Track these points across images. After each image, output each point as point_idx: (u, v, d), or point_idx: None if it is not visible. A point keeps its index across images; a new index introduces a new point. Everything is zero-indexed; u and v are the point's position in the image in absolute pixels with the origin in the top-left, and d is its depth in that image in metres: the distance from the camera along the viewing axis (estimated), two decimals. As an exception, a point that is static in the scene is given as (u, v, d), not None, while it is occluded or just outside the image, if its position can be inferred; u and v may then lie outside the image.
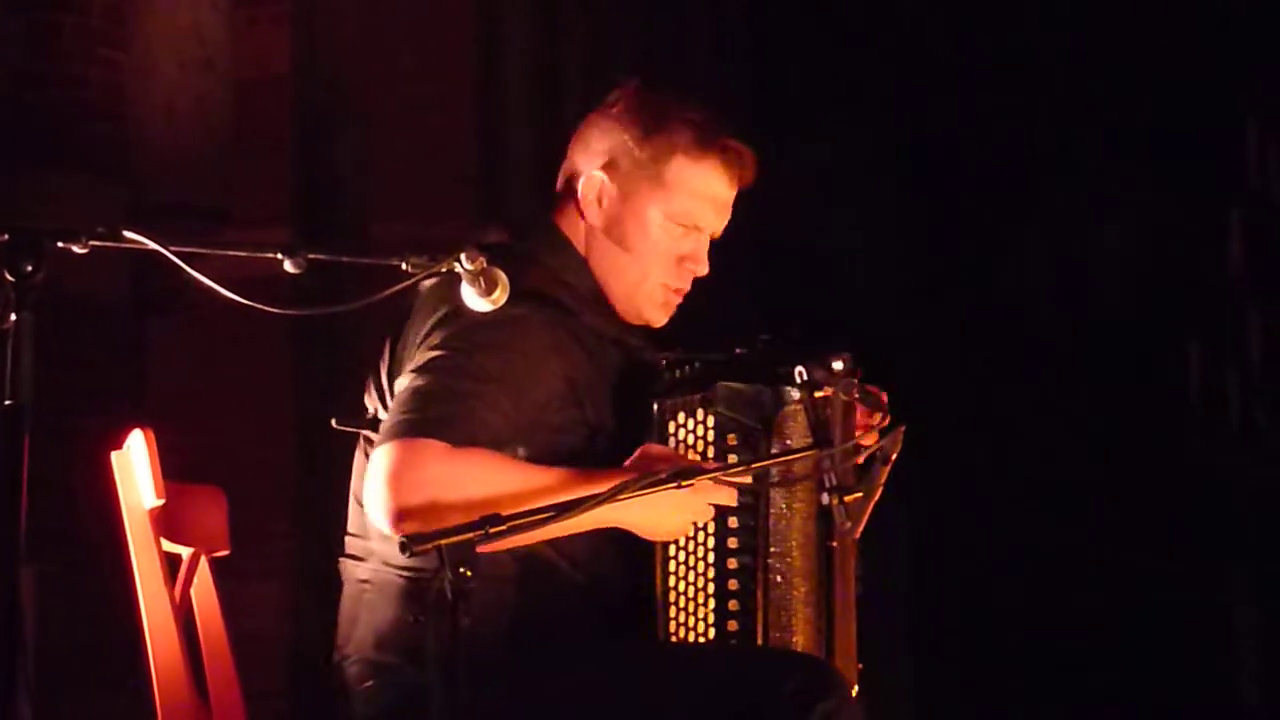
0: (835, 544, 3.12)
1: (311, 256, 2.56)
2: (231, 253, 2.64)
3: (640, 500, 2.95)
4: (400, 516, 2.95)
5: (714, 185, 3.27)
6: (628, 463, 3.09)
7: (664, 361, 3.23)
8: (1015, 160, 6.26)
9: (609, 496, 2.72)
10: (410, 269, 2.67)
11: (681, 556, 3.15)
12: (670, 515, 3.10)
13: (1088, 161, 6.26)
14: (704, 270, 3.31)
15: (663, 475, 2.82)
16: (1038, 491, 6.06)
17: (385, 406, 3.15)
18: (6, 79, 5.35)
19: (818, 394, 3.04)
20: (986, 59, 6.25)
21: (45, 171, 5.31)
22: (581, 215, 3.27)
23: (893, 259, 6.24)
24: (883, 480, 2.92)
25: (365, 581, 3.19)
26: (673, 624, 3.13)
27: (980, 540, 6.00)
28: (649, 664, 3.04)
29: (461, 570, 2.53)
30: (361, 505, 3.19)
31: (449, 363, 3.03)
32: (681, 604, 3.14)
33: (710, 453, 3.16)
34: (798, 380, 3.07)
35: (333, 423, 3.28)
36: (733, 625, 3.13)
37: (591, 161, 3.27)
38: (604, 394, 3.20)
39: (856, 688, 3.11)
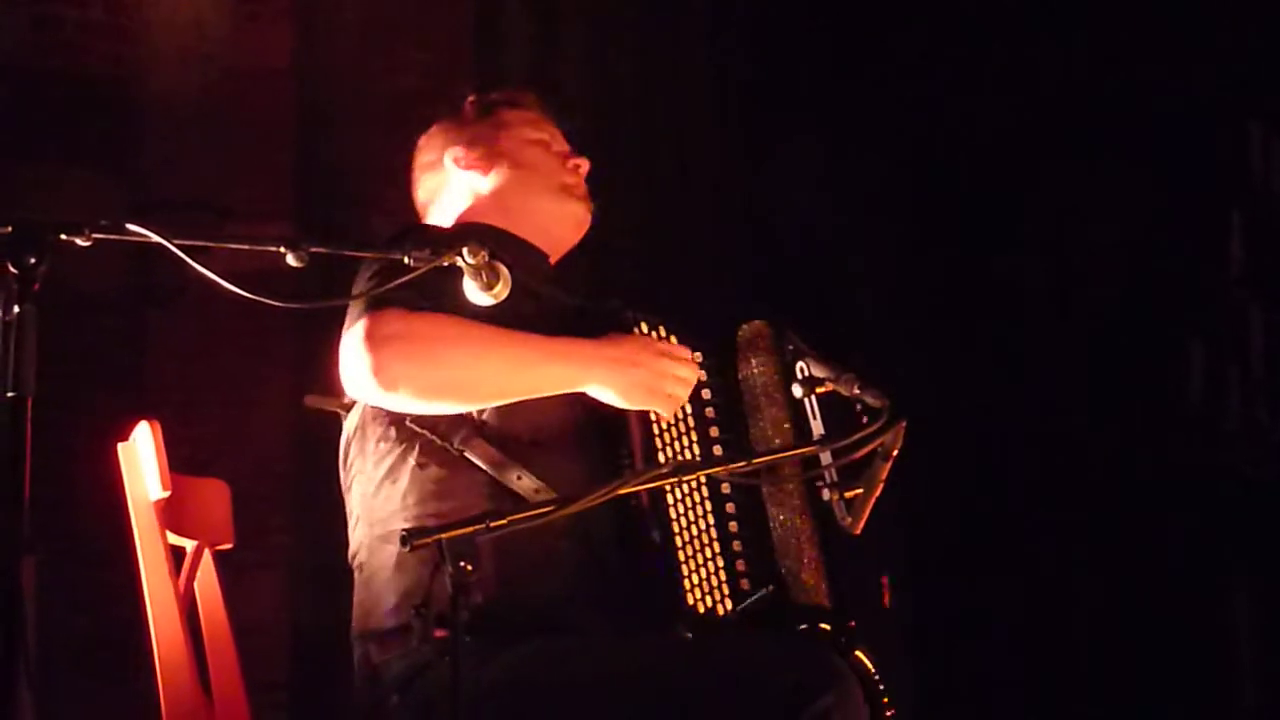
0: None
1: (314, 250, 2.56)
2: (234, 246, 2.65)
3: (602, 361, 3.10)
4: (382, 373, 3.02)
5: (535, 114, 3.53)
6: (600, 340, 3.16)
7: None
8: (1017, 158, 6.26)
9: (610, 493, 2.72)
10: (412, 263, 2.68)
11: (689, 552, 3.15)
12: (634, 375, 3.13)
13: (1089, 160, 6.26)
14: (585, 161, 3.50)
15: (665, 470, 2.83)
16: (1037, 490, 6.06)
17: None
18: (8, 72, 5.35)
19: (819, 390, 3.07)
20: (987, 56, 6.25)
21: (47, 165, 5.32)
22: (478, 180, 3.43)
23: (891, 258, 6.23)
24: (884, 476, 2.93)
25: (362, 562, 3.21)
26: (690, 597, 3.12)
27: (977, 539, 6.00)
28: (645, 657, 3.04)
29: (462, 564, 2.53)
30: (353, 493, 3.23)
31: (387, 271, 3.06)
32: (696, 592, 3.13)
33: None
34: (799, 376, 3.10)
35: (305, 400, 3.32)
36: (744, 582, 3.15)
37: (440, 163, 3.49)
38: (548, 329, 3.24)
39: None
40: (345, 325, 3.10)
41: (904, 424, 2.88)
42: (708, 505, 3.17)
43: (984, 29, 6.27)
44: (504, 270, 2.70)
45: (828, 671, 2.96)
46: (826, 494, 3.02)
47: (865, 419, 2.92)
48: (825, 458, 3.03)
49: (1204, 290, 6.14)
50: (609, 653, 3.02)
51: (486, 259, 2.67)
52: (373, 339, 3.03)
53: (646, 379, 3.13)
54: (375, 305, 3.05)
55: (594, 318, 3.27)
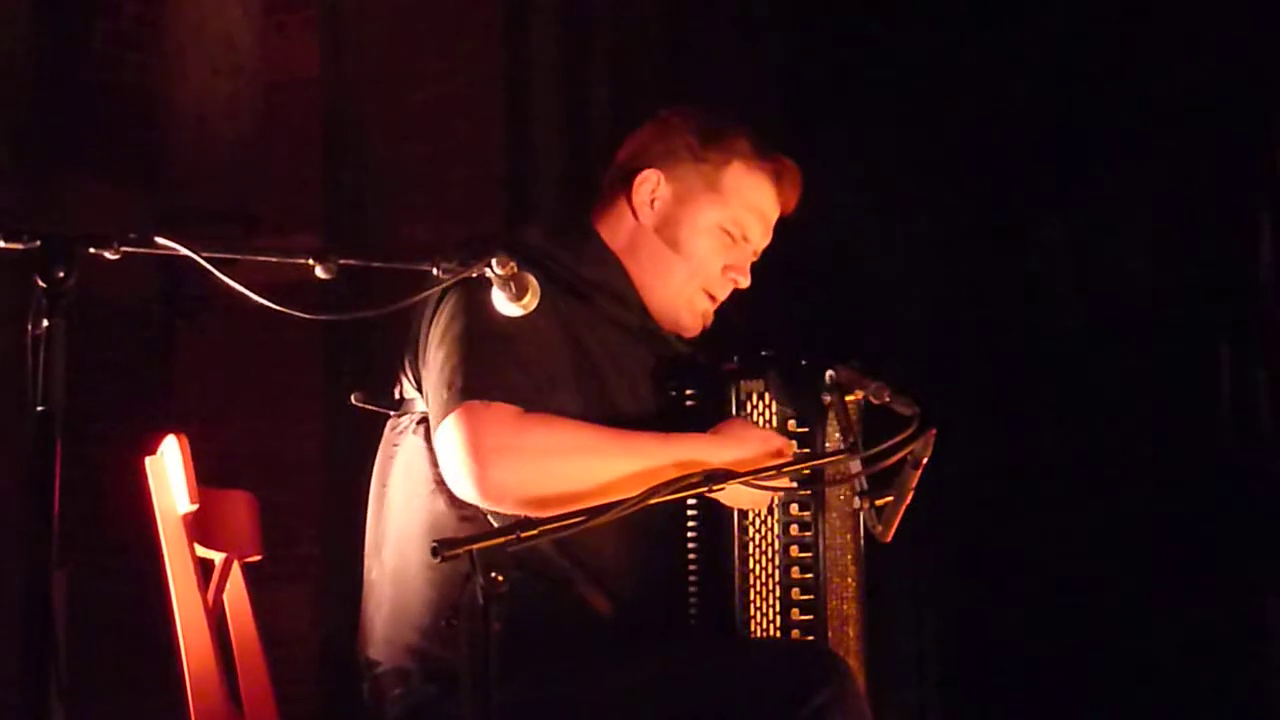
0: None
1: (343, 262, 2.55)
2: (262, 259, 2.64)
3: (733, 441, 3.04)
4: (489, 485, 2.96)
5: (765, 199, 3.31)
6: (716, 430, 3.11)
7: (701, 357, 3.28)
8: (1043, 162, 6.24)
9: (641, 501, 2.71)
10: (441, 274, 2.66)
11: (750, 549, 3.15)
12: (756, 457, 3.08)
13: (1117, 163, 6.24)
14: (747, 282, 3.34)
15: (695, 479, 2.82)
16: (1067, 493, 6.04)
17: (413, 383, 3.15)
18: (38, 84, 5.36)
19: (848, 398, 3.06)
20: (1015, 59, 6.23)
21: (76, 176, 5.33)
22: (634, 214, 3.30)
23: (918, 262, 6.22)
24: (914, 484, 2.92)
25: (380, 580, 3.19)
26: (750, 624, 3.13)
27: (1008, 543, 5.98)
28: (646, 669, 3.03)
29: (493, 575, 2.52)
30: (382, 503, 3.21)
31: (475, 326, 3.02)
32: (757, 603, 3.15)
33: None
34: (827, 382, 3.09)
35: (352, 399, 3.29)
36: (796, 613, 3.15)
37: (644, 161, 3.30)
38: (625, 385, 3.20)
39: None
40: (439, 400, 3.02)
41: (934, 432, 2.87)
42: (776, 574, 3.18)
43: (1012, 31, 6.25)
44: (532, 282, 2.68)
45: (824, 667, 2.95)
46: (857, 501, 3.02)
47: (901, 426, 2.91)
48: (856, 466, 3.03)
49: (1233, 293, 6.11)
50: (610, 669, 3.00)
51: (515, 270, 2.66)
52: (479, 450, 2.96)
53: (755, 490, 3.09)
54: (478, 396, 2.98)
55: (704, 374, 3.23)
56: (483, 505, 3.01)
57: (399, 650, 3.11)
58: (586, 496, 2.98)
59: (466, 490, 2.99)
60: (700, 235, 3.28)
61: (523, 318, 2.74)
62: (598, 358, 3.18)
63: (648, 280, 3.28)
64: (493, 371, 2.99)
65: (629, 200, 3.30)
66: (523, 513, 2.99)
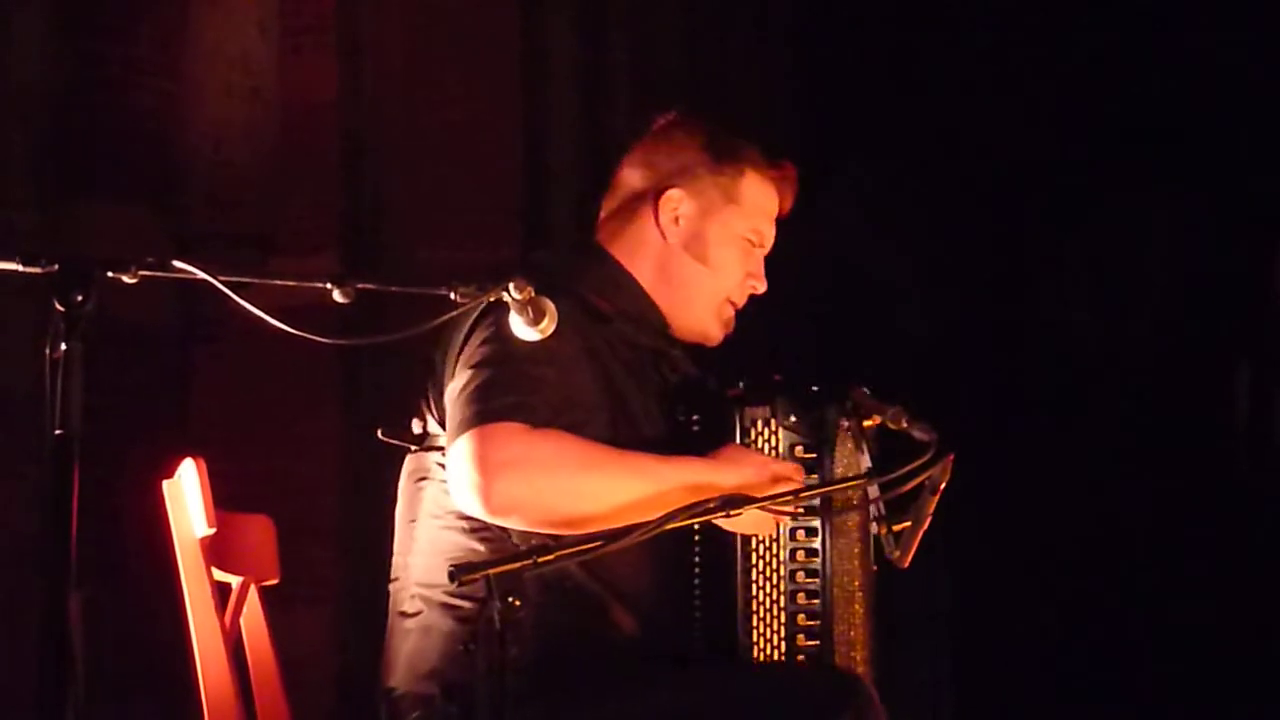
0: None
1: (361, 286, 2.55)
2: (280, 283, 2.64)
3: (728, 465, 3.05)
4: (495, 498, 2.98)
5: (774, 204, 3.39)
6: (714, 455, 3.12)
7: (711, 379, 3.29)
8: (1061, 180, 6.24)
9: (657, 526, 2.71)
10: (458, 298, 2.67)
11: (753, 575, 3.15)
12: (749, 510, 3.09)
13: (1135, 181, 6.24)
14: (764, 287, 3.39)
15: (711, 504, 2.82)
16: (1083, 513, 6.04)
17: (436, 417, 3.16)
18: (54, 108, 5.36)
19: (865, 423, 3.06)
20: (1030, 74, 6.24)
21: (93, 200, 5.32)
22: (661, 234, 3.33)
23: (933, 280, 6.22)
24: (932, 509, 2.93)
25: (407, 612, 3.20)
26: (754, 649, 3.14)
27: (1022, 564, 5.98)
28: (663, 687, 3.04)
29: (510, 600, 2.52)
30: (408, 538, 3.22)
31: (499, 353, 3.05)
32: (758, 625, 3.15)
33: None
34: (846, 407, 3.09)
35: (378, 433, 3.30)
36: (801, 639, 3.15)
37: (661, 180, 3.34)
38: (641, 407, 3.21)
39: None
40: (455, 420, 3.04)
41: (952, 457, 2.88)
42: (781, 600, 3.18)
43: (1028, 49, 6.26)
44: (549, 306, 2.68)
45: (845, 690, 2.96)
46: (874, 527, 3.02)
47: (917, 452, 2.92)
48: (874, 491, 3.03)
49: (1251, 310, 6.11)
50: (631, 697, 3.01)
51: (532, 294, 2.67)
52: (486, 463, 2.97)
53: (759, 515, 3.09)
54: (490, 418, 2.99)
55: (711, 399, 3.24)
56: (490, 519, 3.03)
57: (420, 678, 3.12)
58: (591, 514, 3.01)
59: (473, 504, 3.00)
60: (726, 246, 3.33)
61: (550, 342, 2.75)
62: (619, 380, 3.20)
63: (679, 298, 3.33)
64: (512, 395, 3.00)
65: (655, 221, 3.32)
66: (529, 528, 3.01)
